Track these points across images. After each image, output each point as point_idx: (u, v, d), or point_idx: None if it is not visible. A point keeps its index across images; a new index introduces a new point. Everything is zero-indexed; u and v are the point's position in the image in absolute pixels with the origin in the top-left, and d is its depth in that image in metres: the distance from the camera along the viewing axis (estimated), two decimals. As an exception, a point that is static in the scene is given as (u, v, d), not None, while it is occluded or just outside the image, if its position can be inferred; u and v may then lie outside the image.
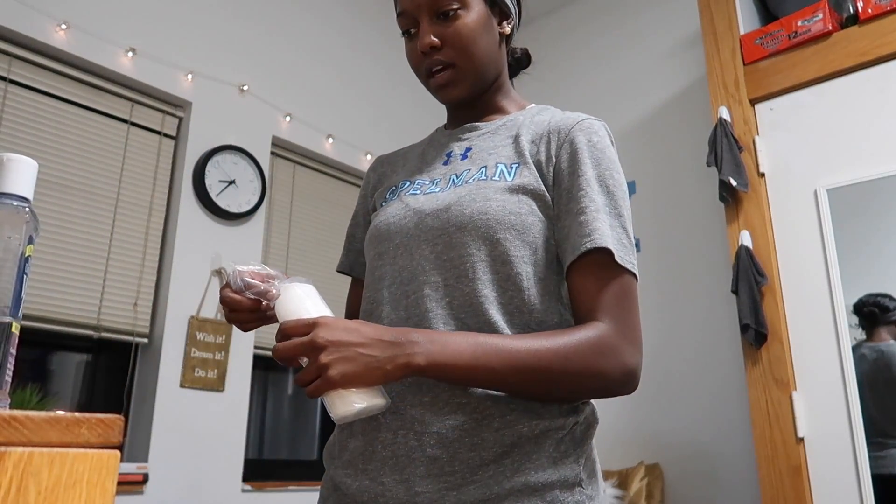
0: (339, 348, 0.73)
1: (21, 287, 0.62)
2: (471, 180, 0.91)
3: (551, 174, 0.90)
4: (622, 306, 0.83)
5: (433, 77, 0.96)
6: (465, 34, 0.93)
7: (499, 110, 1.02)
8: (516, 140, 0.94)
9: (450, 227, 0.87)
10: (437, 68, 0.95)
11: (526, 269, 0.85)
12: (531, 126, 0.95)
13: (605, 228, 0.84)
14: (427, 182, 0.97)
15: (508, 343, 0.79)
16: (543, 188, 0.89)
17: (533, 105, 1.04)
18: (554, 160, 0.90)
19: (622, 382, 0.82)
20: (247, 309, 0.85)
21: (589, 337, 0.80)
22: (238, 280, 0.83)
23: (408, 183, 0.99)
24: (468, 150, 0.98)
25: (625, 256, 0.84)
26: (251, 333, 2.50)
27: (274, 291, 0.82)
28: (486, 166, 0.93)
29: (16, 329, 0.60)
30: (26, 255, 0.62)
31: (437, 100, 1.00)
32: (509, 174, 0.90)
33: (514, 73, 1.11)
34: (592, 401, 0.90)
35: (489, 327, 0.83)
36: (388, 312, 0.89)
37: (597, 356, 0.79)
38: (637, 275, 0.86)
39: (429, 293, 0.86)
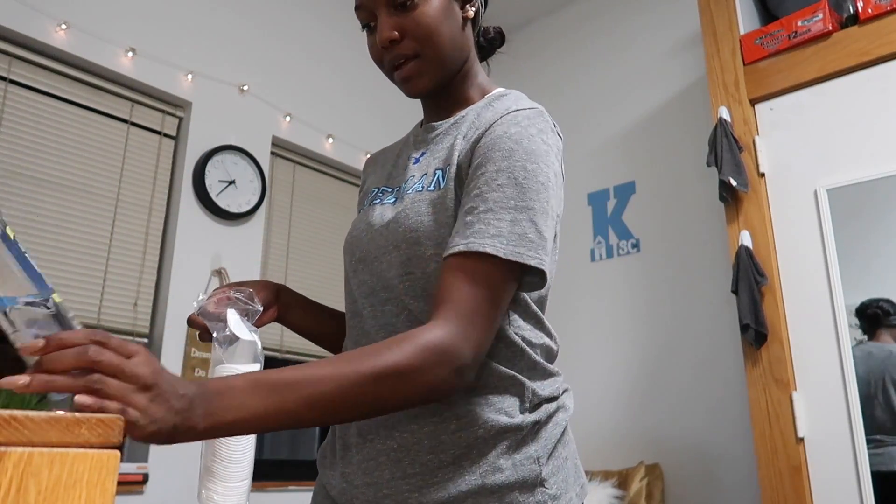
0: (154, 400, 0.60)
1: (31, 265, 0.62)
2: (410, 191, 0.90)
3: (468, 168, 0.86)
4: (472, 295, 0.76)
5: (398, 70, 0.92)
6: (425, 24, 0.88)
7: (464, 101, 0.98)
8: (455, 140, 0.91)
9: (389, 245, 0.87)
10: (401, 61, 0.90)
11: None
12: (475, 121, 0.92)
13: (499, 229, 0.78)
14: (388, 190, 0.96)
15: (306, 375, 0.68)
16: (460, 191, 0.86)
17: (496, 91, 0.98)
18: (472, 155, 0.86)
19: (453, 384, 0.75)
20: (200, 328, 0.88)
21: (413, 350, 0.72)
22: (198, 306, 0.89)
23: (375, 190, 0.99)
24: (423, 153, 0.96)
25: (516, 249, 0.78)
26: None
27: (216, 335, 0.86)
28: (426, 174, 0.91)
29: (59, 300, 0.61)
30: (10, 236, 0.62)
31: (403, 92, 0.95)
32: (442, 181, 0.88)
33: (487, 54, 1.06)
34: (568, 399, 0.89)
35: None
36: (359, 323, 0.91)
37: (418, 369, 0.72)
38: (542, 269, 0.80)
39: (391, 308, 0.87)
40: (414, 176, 0.92)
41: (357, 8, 0.93)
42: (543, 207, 0.82)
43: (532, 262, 0.78)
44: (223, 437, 0.73)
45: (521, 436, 0.82)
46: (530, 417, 0.83)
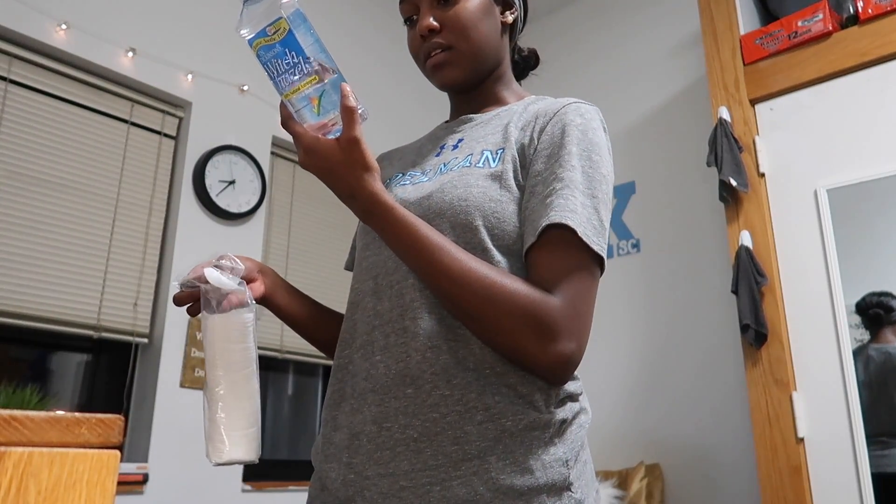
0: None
1: (317, 40, 0.73)
2: (455, 167, 0.91)
3: (532, 153, 0.88)
4: (577, 289, 0.80)
5: (430, 58, 0.95)
6: (464, 17, 0.94)
7: (497, 101, 1.02)
8: (506, 128, 0.93)
9: (430, 214, 0.86)
10: (435, 51, 0.95)
11: (504, 258, 0.84)
12: (523, 114, 0.94)
13: (576, 206, 0.81)
14: (418, 173, 0.96)
15: (459, 250, 0.80)
16: (521, 174, 0.88)
17: (532, 96, 1.02)
18: (536, 141, 0.89)
19: (545, 361, 0.78)
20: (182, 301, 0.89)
21: (535, 298, 0.77)
22: (179, 283, 0.86)
23: (400, 175, 0.99)
24: (460, 140, 0.97)
25: (591, 236, 0.81)
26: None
27: (203, 291, 0.83)
28: (472, 154, 0.92)
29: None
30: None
31: (434, 84, 0.99)
32: (493, 160, 0.89)
33: (522, 73, 1.10)
34: (586, 402, 0.89)
35: None
36: (373, 303, 0.88)
37: (530, 319, 0.77)
38: (604, 258, 0.83)
39: (412, 282, 0.84)
40: (457, 157, 0.93)
41: (402, 2, 0.98)
42: (605, 199, 0.86)
43: (595, 248, 0.81)
44: (377, 224, 0.79)
45: (548, 434, 0.80)
46: (558, 415, 0.82)
